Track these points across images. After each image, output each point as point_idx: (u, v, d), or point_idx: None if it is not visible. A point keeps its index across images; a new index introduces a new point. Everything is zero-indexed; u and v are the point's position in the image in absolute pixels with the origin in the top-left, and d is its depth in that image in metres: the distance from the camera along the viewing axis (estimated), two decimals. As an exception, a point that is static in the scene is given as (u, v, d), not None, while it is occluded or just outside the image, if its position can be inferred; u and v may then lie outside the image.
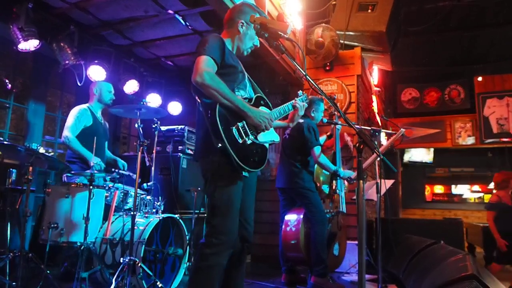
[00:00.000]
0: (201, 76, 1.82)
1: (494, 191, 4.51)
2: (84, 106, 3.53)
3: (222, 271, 1.88)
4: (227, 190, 1.90)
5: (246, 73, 2.19)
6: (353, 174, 3.63)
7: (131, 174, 3.38)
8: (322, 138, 4.10)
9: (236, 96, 1.92)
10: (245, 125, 1.92)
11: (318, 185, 3.79)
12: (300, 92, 2.42)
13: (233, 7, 2.25)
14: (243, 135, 1.89)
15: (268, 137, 2.05)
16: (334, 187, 3.88)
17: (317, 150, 3.55)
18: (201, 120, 2.00)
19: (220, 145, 1.81)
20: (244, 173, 1.91)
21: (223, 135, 1.81)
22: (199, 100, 2.00)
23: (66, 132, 3.33)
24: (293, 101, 2.25)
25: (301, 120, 3.76)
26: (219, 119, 1.83)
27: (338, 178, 3.82)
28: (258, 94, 2.15)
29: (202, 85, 1.83)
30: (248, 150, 1.91)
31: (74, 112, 3.43)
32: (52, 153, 2.86)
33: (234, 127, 1.86)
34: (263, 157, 2.01)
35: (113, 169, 3.18)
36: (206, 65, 1.87)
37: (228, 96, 1.86)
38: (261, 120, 1.94)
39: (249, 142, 1.90)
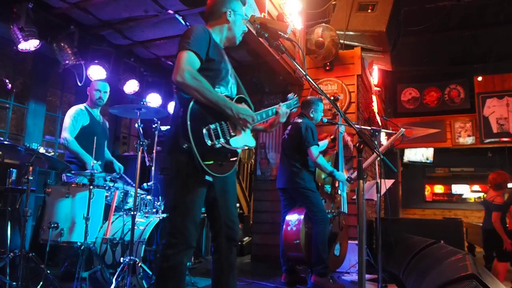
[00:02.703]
0: (182, 76, 1.73)
1: (491, 192, 4.48)
2: (81, 106, 3.53)
3: (185, 269, 1.86)
4: (191, 191, 1.83)
5: (232, 70, 2.08)
6: (345, 179, 3.59)
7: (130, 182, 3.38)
8: (325, 142, 4.06)
9: (218, 94, 1.82)
10: (218, 127, 1.81)
11: (320, 184, 3.79)
12: (291, 95, 2.28)
13: None
14: (213, 137, 1.77)
15: (242, 142, 1.93)
16: (336, 187, 3.88)
17: (314, 150, 3.53)
18: (175, 114, 1.89)
19: (186, 145, 1.73)
20: (207, 177, 1.81)
21: (190, 135, 1.72)
22: (176, 93, 1.91)
23: (64, 134, 3.33)
24: (277, 106, 2.11)
25: (299, 120, 3.76)
26: (190, 117, 1.73)
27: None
28: (241, 95, 2.05)
29: (183, 85, 1.75)
30: (216, 154, 1.80)
31: (70, 112, 3.43)
32: (52, 153, 2.87)
33: (205, 128, 1.76)
34: (232, 163, 1.91)
35: (109, 174, 3.18)
36: (188, 63, 1.77)
37: (209, 96, 1.77)
38: (241, 118, 1.85)
39: (218, 146, 1.78)
